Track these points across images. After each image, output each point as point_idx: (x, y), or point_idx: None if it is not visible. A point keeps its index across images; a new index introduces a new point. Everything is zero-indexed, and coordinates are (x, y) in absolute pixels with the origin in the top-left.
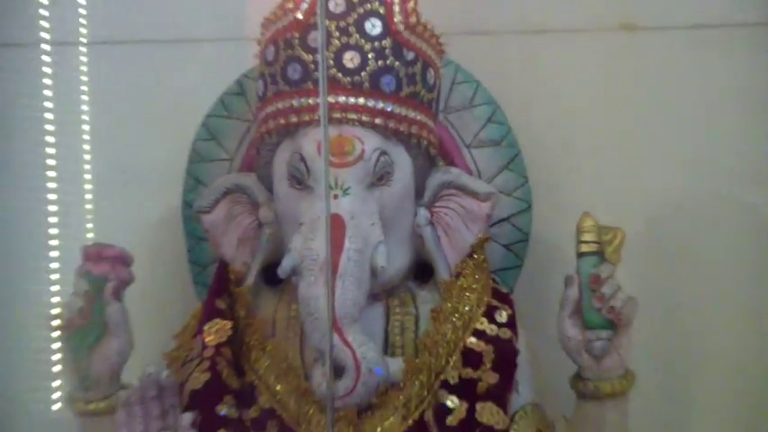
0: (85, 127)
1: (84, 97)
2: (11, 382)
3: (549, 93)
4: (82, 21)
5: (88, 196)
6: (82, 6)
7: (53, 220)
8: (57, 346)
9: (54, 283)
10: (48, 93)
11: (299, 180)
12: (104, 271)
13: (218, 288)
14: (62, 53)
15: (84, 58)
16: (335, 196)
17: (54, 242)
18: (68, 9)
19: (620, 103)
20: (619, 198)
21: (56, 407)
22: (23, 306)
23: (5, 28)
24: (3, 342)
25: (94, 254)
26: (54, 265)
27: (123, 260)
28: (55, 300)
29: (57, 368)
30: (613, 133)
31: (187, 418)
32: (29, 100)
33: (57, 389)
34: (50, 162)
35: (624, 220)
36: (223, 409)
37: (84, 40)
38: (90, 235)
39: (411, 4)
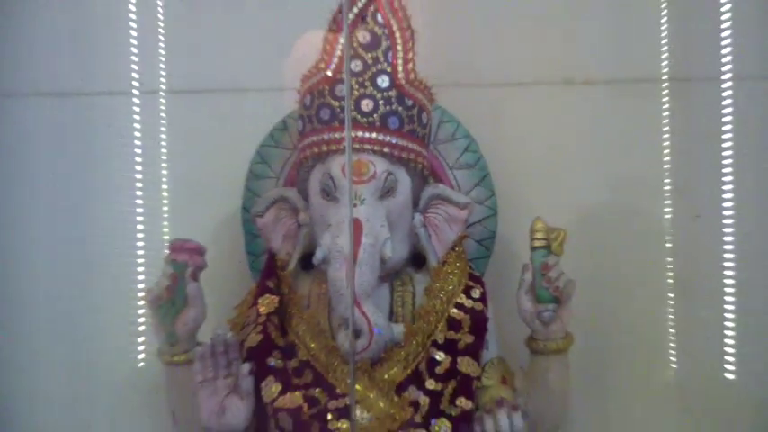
0: (164, 150)
1: (163, 135)
2: (111, 342)
3: (510, 129)
4: (162, 73)
5: (166, 207)
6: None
7: (140, 226)
8: (143, 314)
9: (140, 266)
10: (136, 133)
11: (328, 193)
12: (185, 259)
13: (268, 272)
14: (145, 100)
15: (163, 101)
16: (355, 205)
17: (140, 242)
18: (143, 61)
19: (562, 141)
20: (560, 207)
21: (140, 362)
22: (118, 286)
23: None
24: (102, 313)
25: (178, 246)
26: (140, 259)
27: (199, 251)
28: (140, 280)
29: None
30: (557, 162)
31: (245, 367)
32: (120, 138)
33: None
34: (138, 176)
35: (564, 223)
36: (272, 361)
37: (163, 88)
38: (168, 235)
39: (410, 65)
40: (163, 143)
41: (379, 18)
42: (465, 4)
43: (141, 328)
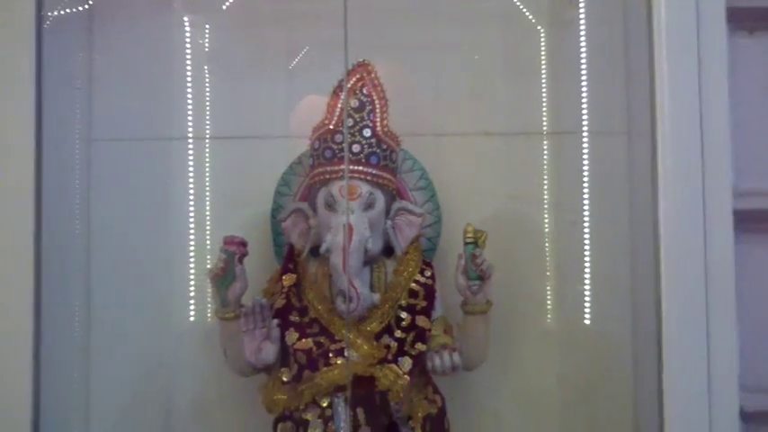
0: (208, 175)
1: (207, 162)
2: (178, 304)
3: (448, 165)
4: (207, 123)
5: (208, 217)
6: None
7: (192, 232)
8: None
9: (191, 258)
10: (189, 167)
11: (330, 206)
12: (234, 249)
13: (289, 258)
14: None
15: (207, 144)
16: (348, 215)
17: (192, 242)
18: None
19: (481, 174)
20: (480, 218)
21: (192, 317)
22: (181, 271)
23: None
24: (172, 285)
25: (229, 240)
26: (192, 254)
27: (243, 243)
28: (192, 267)
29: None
30: (477, 188)
31: (274, 322)
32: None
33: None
34: (191, 195)
35: (482, 228)
36: (292, 318)
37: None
38: (210, 238)
39: (385, 122)
40: (207, 170)
41: (365, 91)
42: (418, 80)
43: (192, 296)
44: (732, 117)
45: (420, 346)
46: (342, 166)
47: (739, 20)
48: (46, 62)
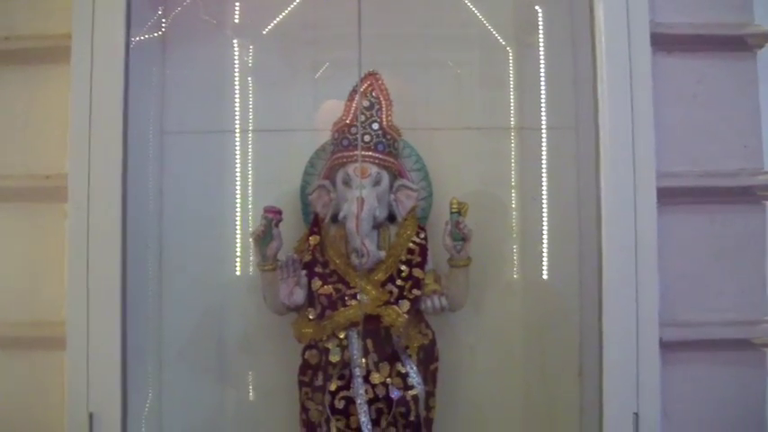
0: (250, 160)
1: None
2: (230, 259)
3: (439, 152)
4: (236, 113)
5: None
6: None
7: (238, 206)
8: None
9: (237, 224)
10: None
11: (347, 183)
12: (271, 215)
13: (314, 223)
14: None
15: (251, 137)
16: (360, 190)
17: (238, 213)
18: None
19: (465, 162)
20: (465, 193)
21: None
22: (230, 233)
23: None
24: (226, 247)
25: (269, 209)
26: (237, 221)
27: (279, 211)
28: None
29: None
30: (462, 171)
31: (303, 273)
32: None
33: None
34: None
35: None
36: (317, 269)
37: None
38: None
39: (390, 117)
40: (250, 156)
41: (374, 94)
42: (415, 87)
43: (238, 253)
44: (655, 116)
45: (416, 292)
46: (356, 152)
47: (660, 43)
48: (131, 74)
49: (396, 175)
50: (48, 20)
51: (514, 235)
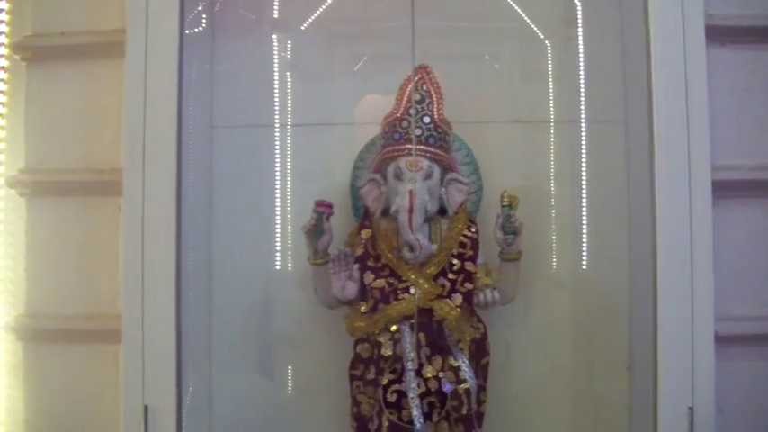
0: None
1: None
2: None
3: (487, 145)
4: (276, 107)
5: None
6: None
7: (278, 200)
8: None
9: (278, 219)
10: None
11: (398, 177)
12: (323, 209)
13: (365, 217)
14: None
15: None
16: (411, 183)
17: (278, 208)
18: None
19: (511, 156)
20: (514, 187)
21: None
22: (274, 227)
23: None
24: (276, 242)
25: (320, 203)
26: (278, 216)
27: (330, 206)
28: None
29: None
30: (509, 166)
31: (355, 266)
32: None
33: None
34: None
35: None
36: (369, 263)
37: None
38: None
39: (441, 111)
40: (289, 150)
41: (425, 87)
42: (467, 76)
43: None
44: (709, 109)
45: (468, 286)
46: (408, 146)
47: (713, 35)
48: (185, 68)
49: (446, 168)
50: (102, 15)
51: (553, 226)
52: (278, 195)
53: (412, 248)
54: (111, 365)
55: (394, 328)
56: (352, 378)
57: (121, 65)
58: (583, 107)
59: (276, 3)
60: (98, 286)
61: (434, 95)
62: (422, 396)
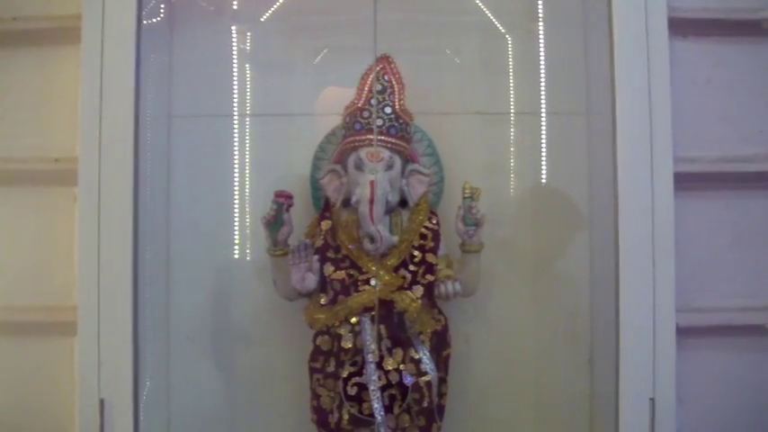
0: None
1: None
2: (232, 243)
3: (449, 136)
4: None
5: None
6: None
7: (237, 192)
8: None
9: (237, 211)
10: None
11: (359, 167)
12: (283, 200)
13: (325, 208)
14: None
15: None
16: (372, 173)
17: (236, 199)
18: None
19: (474, 146)
20: (475, 178)
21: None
22: (230, 218)
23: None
24: (234, 233)
25: (279, 193)
26: (236, 207)
27: (290, 196)
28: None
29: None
30: (470, 157)
31: (315, 258)
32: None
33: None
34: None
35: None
36: (329, 254)
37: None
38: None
39: (402, 101)
40: (247, 141)
41: (387, 77)
42: (429, 68)
43: (237, 240)
44: (672, 101)
45: (429, 277)
46: (369, 136)
47: (676, 27)
48: (142, 57)
49: (408, 159)
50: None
51: (514, 218)
52: (237, 186)
53: (373, 240)
54: (66, 358)
55: (354, 320)
56: (312, 371)
57: (77, 51)
58: (544, 99)
59: None
60: (53, 277)
61: (396, 86)
62: (383, 389)
